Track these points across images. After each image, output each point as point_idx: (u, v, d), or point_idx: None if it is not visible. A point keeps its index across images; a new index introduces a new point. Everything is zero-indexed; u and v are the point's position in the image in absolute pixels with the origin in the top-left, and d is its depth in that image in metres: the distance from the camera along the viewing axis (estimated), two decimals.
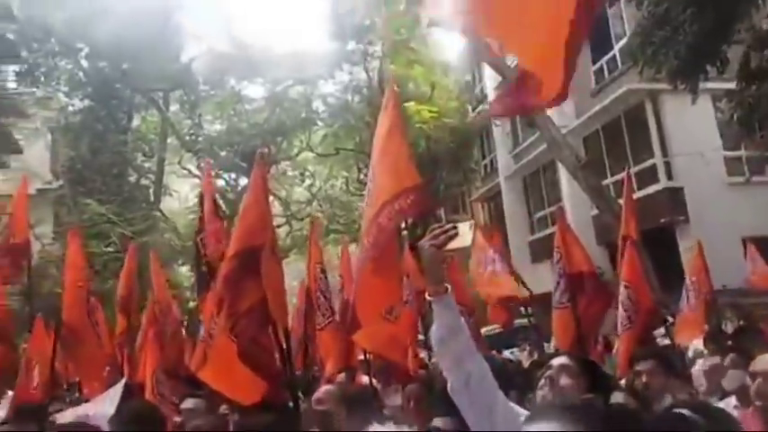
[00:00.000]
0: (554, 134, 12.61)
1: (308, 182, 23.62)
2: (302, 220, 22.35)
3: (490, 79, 19.51)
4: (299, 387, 2.96)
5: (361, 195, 25.32)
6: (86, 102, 19.95)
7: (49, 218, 18.50)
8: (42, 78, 19.66)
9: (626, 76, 13.67)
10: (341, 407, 2.84)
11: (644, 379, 2.99)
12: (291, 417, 2.43)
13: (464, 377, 1.78)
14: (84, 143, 18.92)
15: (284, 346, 2.72)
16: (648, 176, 13.81)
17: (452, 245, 1.85)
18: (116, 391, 2.96)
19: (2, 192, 15.67)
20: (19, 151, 19.02)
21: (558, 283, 4.23)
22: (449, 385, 1.83)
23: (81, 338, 4.59)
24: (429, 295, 1.85)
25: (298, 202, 23.18)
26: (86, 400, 3.96)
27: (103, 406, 2.65)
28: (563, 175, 15.24)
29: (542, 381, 2.15)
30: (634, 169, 14.25)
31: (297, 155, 22.27)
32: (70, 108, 20.21)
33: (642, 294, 3.91)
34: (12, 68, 19.77)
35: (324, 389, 2.94)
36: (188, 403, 2.91)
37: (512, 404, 1.89)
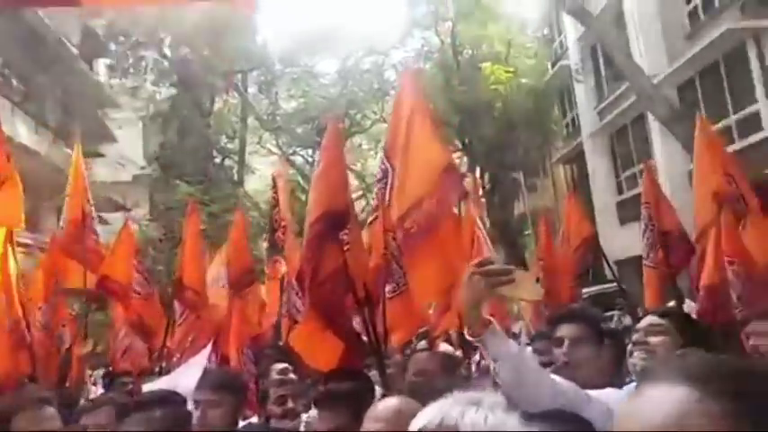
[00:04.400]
0: (644, 84, 11.70)
1: (382, 154, 23.60)
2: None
3: (571, 30, 18.42)
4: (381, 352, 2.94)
5: None
6: (172, 89, 20.96)
7: (144, 201, 19.80)
8: (130, 69, 20.83)
9: (725, 15, 12.39)
10: (442, 377, 2.79)
11: (751, 342, 2.69)
12: (370, 384, 2.40)
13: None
14: (172, 129, 19.95)
15: (367, 311, 2.72)
16: (751, 124, 12.57)
17: (510, 292, 1.60)
18: (200, 361, 3.05)
19: (101, 178, 16.93)
20: (114, 140, 20.40)
21: (649, 240, 3.93)
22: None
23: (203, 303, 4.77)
24: (470, 335, 1.62)
25: (373, 174, 23.25)
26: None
27: (188, 376, 2.73)
28: (654, 129, 14.21)
29: (630, 347, 1.94)
30: (734, 117, 13.04)
31: (370, 126, 22.29)
32: (157, 96, 21.31)
33: (755, 269, 3.29)
34: (102, 62, 21.09)
35: (425, 357, 2.89)
36: (275, 370, 2.93)
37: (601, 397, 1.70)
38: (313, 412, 2.98)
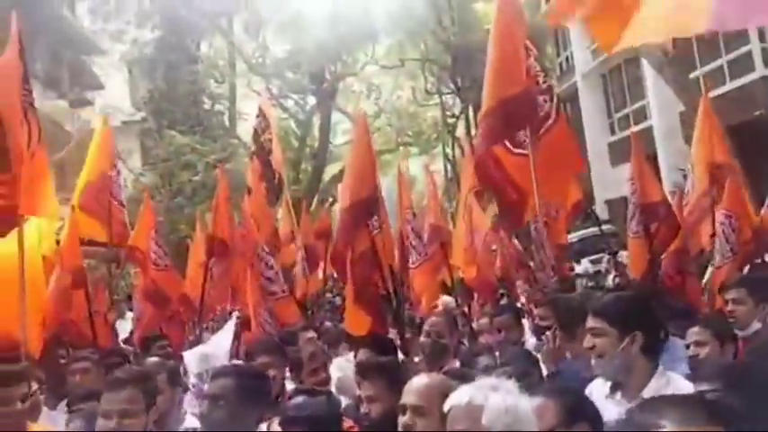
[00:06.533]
0: None
1: (374, 95, 23.42)
2: (373, 134, 22.42)
3: None
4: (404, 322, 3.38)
5: (429, 105, 24.87)
6: (156, 32, 20.38)
7: (136, 149, 19.70)
8: (113, 12, 20.17)
9: None
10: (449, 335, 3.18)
11: (729, 307, 3.00)
12: (397, 358, 2.75)
13: None
14: (159, 74, 19.55)
15: (393, 287, 3.16)
16: (743, 65, 12.64)
17: None
18: (229, 329, 3.35)
19: (90, 126, 16.76)
20: (101, 87, 20.03)
21: (634, 213, 4.16)
22: None
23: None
24: None
25: (365, 116, 23.14)
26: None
27: (221, 342, 3.03)
28: (648, 70, 14.21)
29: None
30: (727, 58, 13.07)
31: (362, 69, 21.98)
32: (142, 40, 20.74)
33: (744, 224, 3.84)
34: (84, 6, 20.38)
35: (433, 320, 3.27)
36: (303, 338, 3.22)
37: None
38: (339, 373, 3.34)
